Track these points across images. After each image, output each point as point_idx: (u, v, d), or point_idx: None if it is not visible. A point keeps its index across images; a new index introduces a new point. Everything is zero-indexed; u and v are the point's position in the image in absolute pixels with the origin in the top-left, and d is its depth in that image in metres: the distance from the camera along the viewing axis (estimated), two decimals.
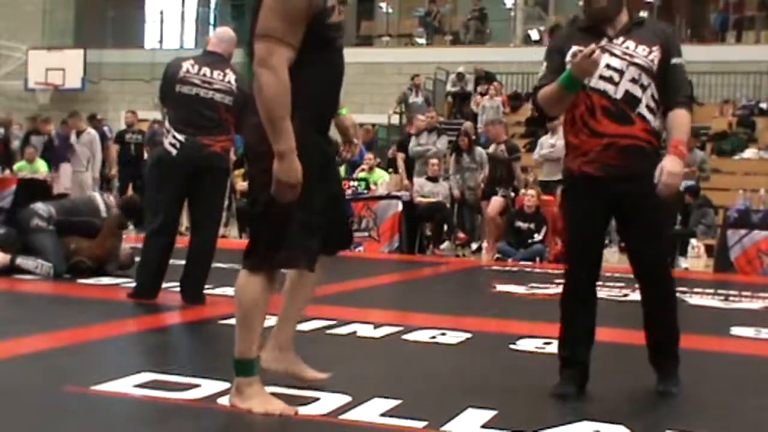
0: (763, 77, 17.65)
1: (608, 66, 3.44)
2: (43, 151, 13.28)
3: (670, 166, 3.34)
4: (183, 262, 5.75)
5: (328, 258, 3.36)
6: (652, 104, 3.47)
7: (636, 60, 3.45)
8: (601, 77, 3.44)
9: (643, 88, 3.45)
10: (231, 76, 5.68)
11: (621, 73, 3.44)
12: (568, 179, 3.67)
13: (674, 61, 3.50)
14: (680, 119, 3.47)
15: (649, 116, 3.46)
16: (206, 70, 5.62)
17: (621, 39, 3.50)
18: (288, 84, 2.89)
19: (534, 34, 23.47)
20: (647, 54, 3.46)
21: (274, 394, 3.16)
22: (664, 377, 3.67)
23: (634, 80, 3.44)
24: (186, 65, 5.63)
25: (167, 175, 5.59)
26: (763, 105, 17.12)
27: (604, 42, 3.47)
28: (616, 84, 3.44)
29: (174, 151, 5.52)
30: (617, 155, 3.44)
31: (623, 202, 3.50)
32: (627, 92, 3.44)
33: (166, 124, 5.64)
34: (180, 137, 5.52)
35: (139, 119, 14.92)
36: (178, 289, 5.73)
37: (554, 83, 3.46)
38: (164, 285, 5.76)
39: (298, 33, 2.93)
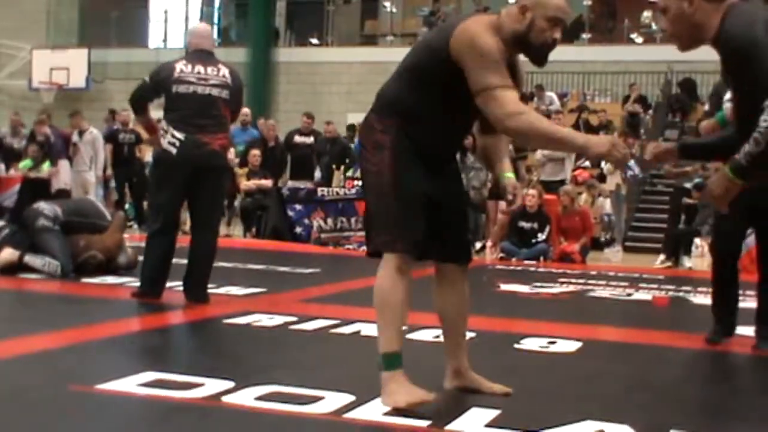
0: None
1: None
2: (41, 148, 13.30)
3: None
4: (186, 261, 5.75)
5: (456, 269, 3.37)
6: None
7: None
8: None
9: None
10: (224, 70, 5.75)
11: None
12: None
13: None
14: None
15: None
16: (200, 68, 5.67)
17: None
18: (531, 115, 3.01)
19: None
20: None
21: (277, 393, 3.17)
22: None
23: None
24: (179, 66, 5.67)
25: (167, 174, 5.61)
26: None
27: None
28: None
29: (174, 150, 5.53)
30: None
31: (759, 205, 4.22)
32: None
33: (163, 124, 5.66)
34: (179, 135, 5.53)
35: None
36: (182, 288, 5.74)
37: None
38: (168, 284, 5.77)
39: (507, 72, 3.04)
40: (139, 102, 5.78)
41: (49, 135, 13.06)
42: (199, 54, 5.77)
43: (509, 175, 3.41)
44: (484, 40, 2.99)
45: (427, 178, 3.15)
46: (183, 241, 5.91)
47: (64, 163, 12.99)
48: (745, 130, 3.09)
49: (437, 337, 4.67)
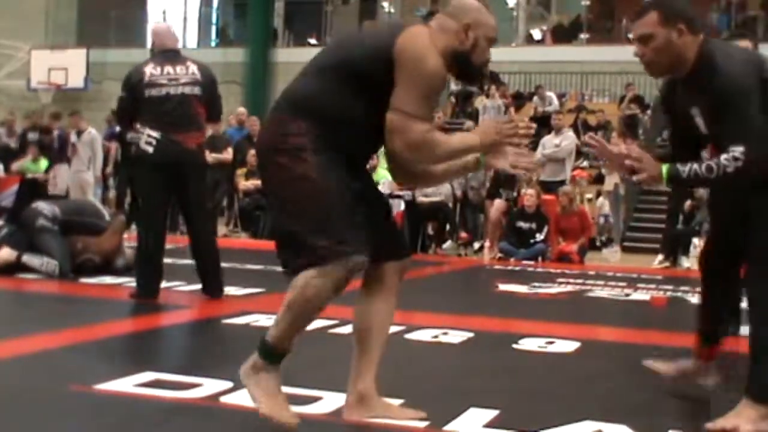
0: None
1: None
2: (42, 149, 13.26)
3: None
4: (184, 261, 5.76)
5: (392, 269, 3.09)
6: None
7: None
8: None
9: None
10: (193, 67, 5.80)
11: None
12: None
13: None
14: None
15: None
16: (169, 69, 5.71)
17: None
18: (437, 140, 2.86)
19: (536, 34, 23.49)
20: None
21: None
22: None
23: None
24: (148, 70, 5.71)
25: (146, 174, 5.67)
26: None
27: None
28: None
29: (150, 149, 5.57)
30: None
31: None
32: None
33: (137, 125, 5.68)
34: (155, 134, 5.58)
35: None
36: (182, 288, 5.75)
37: None
38: (167, 284, 5.78)
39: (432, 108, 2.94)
40: (126, 119, 5.85)
41: (54, 136, 13.00)
42: (166, 54, 5.80)
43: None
44: (434, 63, 2.82)
45: (349, 179, 2.92)
46: (177, 241, 5.92)
47: (62, 168, 12.88)
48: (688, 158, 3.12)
49: (435, 337, 4.69)
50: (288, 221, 2.84)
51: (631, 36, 3.28)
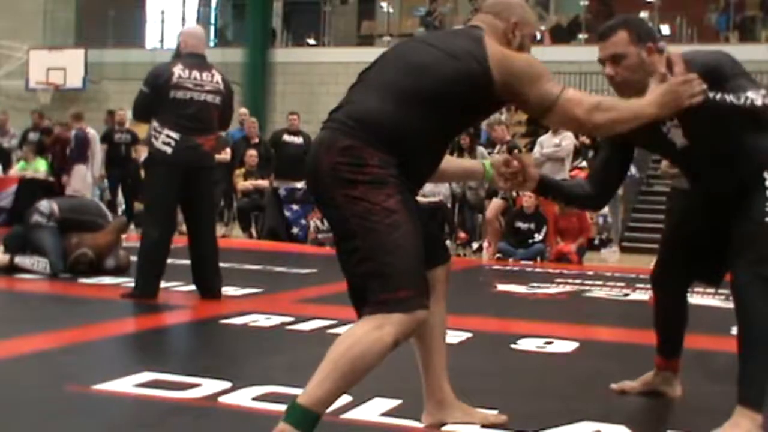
0: (764, 77, 17.64)
1: None
2: (42, 150, 13.21)
3: None
4: (183, 261, 5.76)
5: (438, 272, 2.90)
6: None
7: None
8: None
9: None
10: (218, 77, 5.88)
11: None
12: None
13: None
14: None
15: None
16: (196, 74, 5.76)
17: None
18: (605, 101, 2.72)
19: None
20: None
21: (274, 393, 3.18)
22: None
23: None
24: (177, 71, 5.71)
25: (163, 173, 5.67)
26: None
27: None
28: None
29: (169, 150, 5.60)
30: None
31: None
32: None
33: (155, 124, 5.68)
34: (174, 135, 5.62)
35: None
36: (181, 288, 5.75)
37: None
38: (165, 284, 5.78)
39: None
40: (146, 114, 5.84)
41: (69, 139, 12.83)
42: (194, 58, 5.83)
43: (486, 161, 3.26)
44: (529, 56, 2.74)
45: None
46: (177, 242, 5.92)
47: (80, 169, 12.71)
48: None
49: None
50: (363, 260, 2.57)
51: (598, 57, 3.23)
